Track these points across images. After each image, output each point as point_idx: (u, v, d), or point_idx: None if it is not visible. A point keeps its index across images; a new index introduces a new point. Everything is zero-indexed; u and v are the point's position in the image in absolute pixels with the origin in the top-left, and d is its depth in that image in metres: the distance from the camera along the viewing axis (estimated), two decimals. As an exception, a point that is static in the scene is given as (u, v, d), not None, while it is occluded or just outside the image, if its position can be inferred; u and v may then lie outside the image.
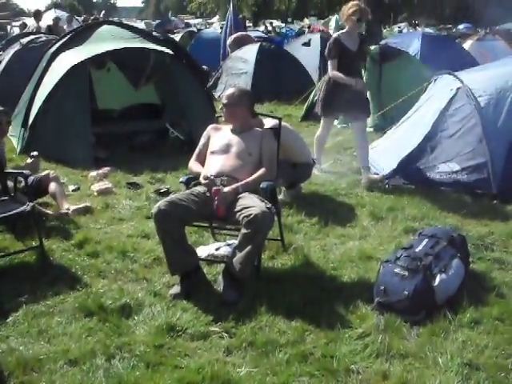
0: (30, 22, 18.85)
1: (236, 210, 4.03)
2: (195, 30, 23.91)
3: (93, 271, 4.44)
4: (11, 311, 3.85)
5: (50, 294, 4.07)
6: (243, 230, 3.91)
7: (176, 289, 4.05)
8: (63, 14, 21.27)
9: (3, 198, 4.83)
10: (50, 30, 14.68)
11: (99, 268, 4.49)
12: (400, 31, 27.75)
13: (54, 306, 3.94)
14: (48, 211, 5.53)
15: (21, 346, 3.45)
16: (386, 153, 7.11)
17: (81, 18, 22.44)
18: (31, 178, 5.44)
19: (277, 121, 4.85)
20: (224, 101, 4.59)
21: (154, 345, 3.44)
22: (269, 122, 4.97)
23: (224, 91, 12.44)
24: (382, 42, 12.87)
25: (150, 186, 6.59)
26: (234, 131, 4.58)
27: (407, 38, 15.04)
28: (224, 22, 25.38)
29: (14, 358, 3.31)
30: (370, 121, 9.36)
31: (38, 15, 15.83)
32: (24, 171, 5.03)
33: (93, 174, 6.91)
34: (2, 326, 3.69)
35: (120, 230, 5.28)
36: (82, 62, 7.86)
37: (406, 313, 3.74)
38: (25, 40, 11.32)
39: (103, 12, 40.63)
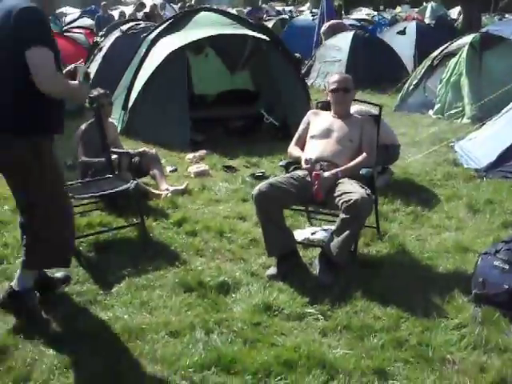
0: (128, 11, 19.49)
1: (335, 195, 4.06)
2: (287, 17, 23.85)
3: (191, 249, 4.59)
4: (115, 283, 4.05)
5: (151, 269, 4.25)
6: (342, 215, 3.94)
7: (273, 270, 4.12)
8: (159, 1, 21.80)
9: (108, 176, 5.06)
10: (146, 16, 15.09)
11: (197, 246, 4.64)
12: (500, 19, 26.58)
13: (154, 280, 4.10)
14: (150, 189, 5.75)
15: (125, 315, 3.63)
16: (485, 145, 6.91)
17: (177, 6, 22.84)
18: (135, 158, 5.70)
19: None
20: (336, 86, 4.57)
21: (251, 322, 3.53)
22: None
23: (316, 79, 12.60)
24: (483, 29, 12.38)
25: (246, 170, 6.72)
26: (334, 117, 4.60)
27: (510, 26, 14.41)
28: (315, 10, 25.20)
29: (119, 325, 3.51)
30: (467, 111, 9.13)
31: (141, 7, 16.32)
32: (129, 150, 5.24)
33: (189, 156, 7.12)
34: (106, 295, 3.89)
35: (217, 211, 5.42)
36: (180, 47, 8.07)
37: (505, 307, 3.65)
38: (125, 27, 11.65)
39: (195, -1, 41.20)
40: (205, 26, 8.55)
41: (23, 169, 3.28)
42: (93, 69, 10.23)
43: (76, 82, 3.41)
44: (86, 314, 3.68)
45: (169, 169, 6.64)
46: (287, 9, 39.11)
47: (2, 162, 3.31)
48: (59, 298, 3.87)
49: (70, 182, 4.79)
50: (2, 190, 6.03)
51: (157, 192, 5.70)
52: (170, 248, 4.64)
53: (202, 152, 7.22)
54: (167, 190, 5.72)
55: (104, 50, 10.93)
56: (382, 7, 43.69)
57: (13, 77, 3.19)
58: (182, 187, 5.86)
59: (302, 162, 4.41)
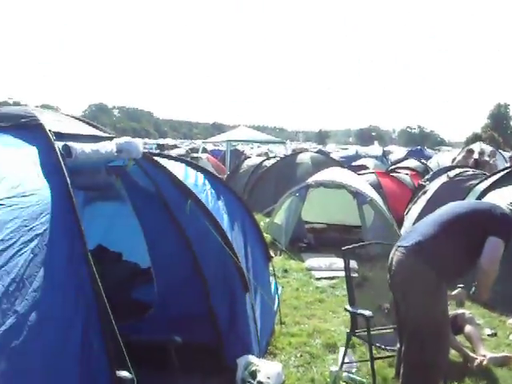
0: (455, 153, 19.55)
1: None
2: None
3: None
4: None
5: None
6: None
7: None
8: (487, 147, 21.29)
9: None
10: (476, 163, 14.83)
11: None
12: None
13: None
14: (467, 352, 5.36)
15: None
16: None
17: (508, 154, 21.78)
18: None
19: None
20: None
21: None
22: None
23: None
24: None
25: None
26: None
27: None
28: None
29: None
30: None
31: (469, 153, 16.02)
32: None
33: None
34: None
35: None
36: (512, 202, 7.69)
37: None
38: (452, 173, 11.61)
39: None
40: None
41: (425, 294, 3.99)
42: (415, 211, 10.34)
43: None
44: None
45: (487, 332, 6.17)
46: None
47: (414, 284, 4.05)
48: None
49: (379, 327, 4.83)
50: (318, 324, 6.32)
51: (473, 356, 5.29)
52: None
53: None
54: (484, 356, 5.27)
55: (429, 194, 10.93)
56: None
57: (463, 242, 4.09)
58: (501, 355, 5.36)
59: None
